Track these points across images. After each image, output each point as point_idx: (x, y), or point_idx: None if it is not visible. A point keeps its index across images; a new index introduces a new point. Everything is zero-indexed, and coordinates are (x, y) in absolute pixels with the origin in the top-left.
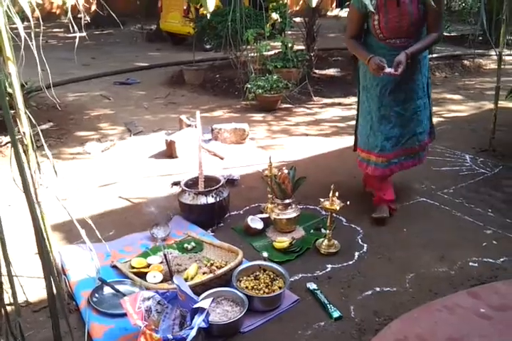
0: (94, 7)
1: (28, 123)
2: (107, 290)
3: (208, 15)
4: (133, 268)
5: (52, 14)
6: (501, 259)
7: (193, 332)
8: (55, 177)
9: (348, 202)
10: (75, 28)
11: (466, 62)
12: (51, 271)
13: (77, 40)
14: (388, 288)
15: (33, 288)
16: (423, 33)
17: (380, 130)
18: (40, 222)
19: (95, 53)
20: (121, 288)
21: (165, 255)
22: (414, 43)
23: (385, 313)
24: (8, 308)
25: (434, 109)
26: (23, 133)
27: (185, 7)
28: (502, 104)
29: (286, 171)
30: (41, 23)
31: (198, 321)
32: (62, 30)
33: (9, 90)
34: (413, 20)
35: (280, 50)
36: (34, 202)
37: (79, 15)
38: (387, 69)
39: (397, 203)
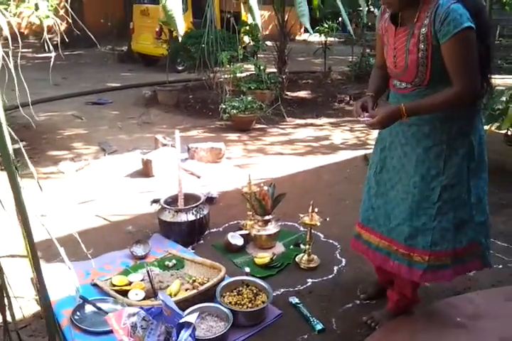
0: (63, 27)
1: None
2: (89, 308)
3: (180, 39)
4: (114, 286)
5: (20, 34)
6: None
7: None
8: (35, 194)
9: (328, 219)
10: (47, 48)
11: None
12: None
13: (52, 59)
14: (368, 301)
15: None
16: (446, 82)
17: (366, 198)
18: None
19: (66, 73)
20: (103, 306)
21: (148, 272)
22: (430, 94)
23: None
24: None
25: None
26: None
27: (157, 29)
28: None
29: (265, 188)
30: (19, 41)
31: (185, 336)
32: (30, 50)
33: None
34: (408, 62)
35: (253, 72)
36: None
37: (49, 36)
38: (362, 118)
39: None
